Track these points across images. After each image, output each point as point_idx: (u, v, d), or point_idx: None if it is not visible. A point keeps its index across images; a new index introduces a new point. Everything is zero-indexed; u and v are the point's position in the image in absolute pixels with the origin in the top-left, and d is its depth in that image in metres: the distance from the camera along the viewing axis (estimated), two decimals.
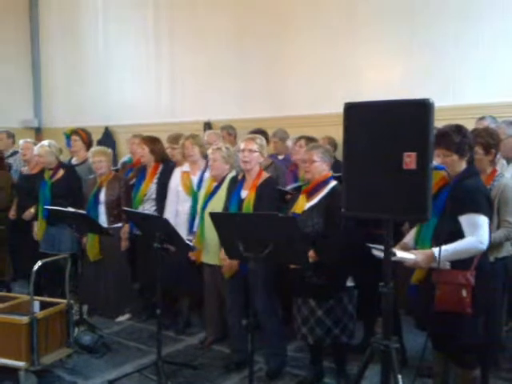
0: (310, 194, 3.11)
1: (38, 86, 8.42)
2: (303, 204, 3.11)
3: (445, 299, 2.48)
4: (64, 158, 5.27)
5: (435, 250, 2.42)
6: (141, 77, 7.17)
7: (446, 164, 2.64)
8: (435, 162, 2.75)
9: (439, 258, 2.35)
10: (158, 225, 3.36)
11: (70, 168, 4.91)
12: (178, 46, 6.74)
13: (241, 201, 3.39)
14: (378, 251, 2.39)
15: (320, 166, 3.10)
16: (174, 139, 4.56)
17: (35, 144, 5.03)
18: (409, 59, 5.09)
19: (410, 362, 3.39)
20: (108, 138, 7.16)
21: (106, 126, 7.30)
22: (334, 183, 3.13)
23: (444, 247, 2.44)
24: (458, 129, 2.60)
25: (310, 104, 5.54)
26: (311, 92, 5.57)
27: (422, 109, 1.87)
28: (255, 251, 2.58)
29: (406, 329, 3.50)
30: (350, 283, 3.07)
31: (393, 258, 2.40)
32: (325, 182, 3.12)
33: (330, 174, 3.18)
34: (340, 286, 3.04)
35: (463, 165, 2.61)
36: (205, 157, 4.12)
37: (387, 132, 1.93)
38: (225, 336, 3.98)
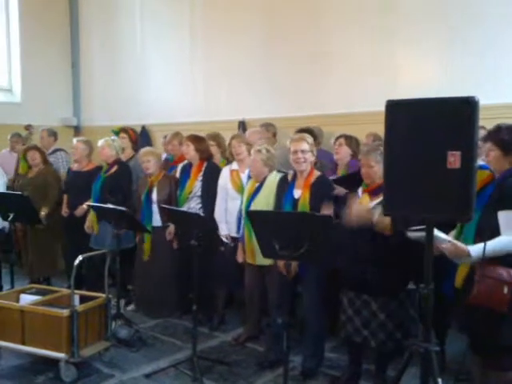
0: (374, 193, 3.03)
1: (78, 85, 8.64)
2: (367, 202, 3.03)
3: (483, 293, 2.40)
4: None
5: (471, 248, 2.36)
6: (177, 77, 7.25)
7: (489, 159, 2.57)
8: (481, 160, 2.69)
9: (483, 253, 2.27)
10: (195, 222, 3.39)
11: (124, 165, 4.93)
12: (213, 46, 6.77)
13: (295, 200, 3.37)
14: (414, 233, 2.33)
15: (379, 171, 2.97)
16: (211, 137, 4.61)
17: (86, 143, 5.07)
18: (448, 59, 4.94)
19: (448, 365, 3.31)
20: (145, 137, 7.27)
21: (143, 125, 7.43)
22: None
23: (479, 246, 2.36)
24: None
25: (346, 103, 5.47)
26: (347, 91, 5.51)
27: (466, 106, 1.84)
28: (290, 250, 2.58)
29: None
30: (411, 286, 3.00)
31: None
32: None
33: None
34: (402, 287, 2.98)
35: (506, 164, 2.52)
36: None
37: (430, 130, 1.89)
38: (258, 334, 4.00)
